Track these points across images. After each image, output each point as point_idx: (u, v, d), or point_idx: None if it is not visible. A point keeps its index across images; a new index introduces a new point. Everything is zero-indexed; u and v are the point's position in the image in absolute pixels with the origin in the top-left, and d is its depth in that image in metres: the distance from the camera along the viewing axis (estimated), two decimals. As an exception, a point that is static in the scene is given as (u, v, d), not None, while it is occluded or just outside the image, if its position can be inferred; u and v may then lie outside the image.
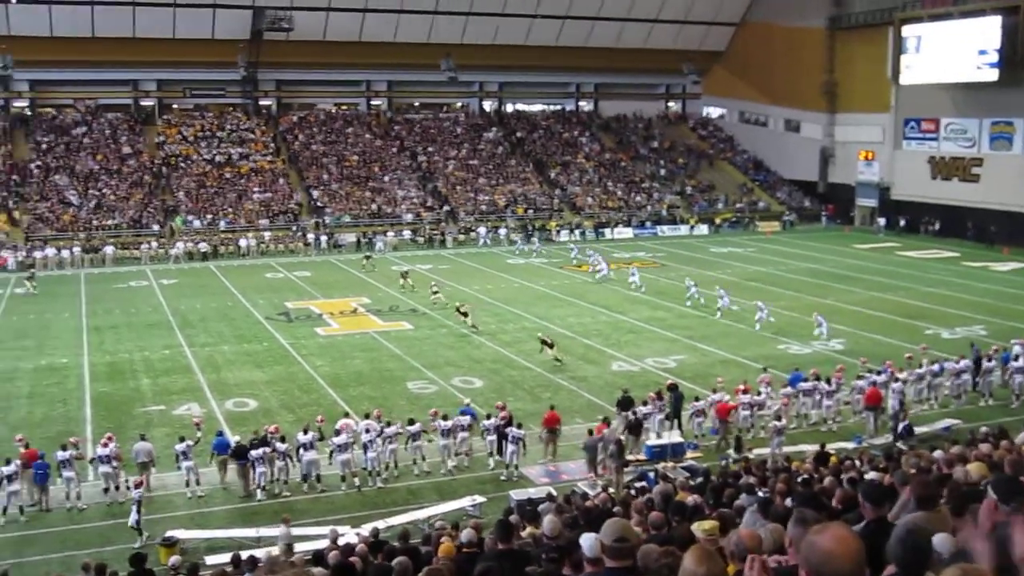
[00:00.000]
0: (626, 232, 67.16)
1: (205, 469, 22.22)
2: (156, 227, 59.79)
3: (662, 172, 77.40)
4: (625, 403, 24.99)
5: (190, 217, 61.02)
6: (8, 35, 63.96)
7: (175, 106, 74.53)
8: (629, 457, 22.40)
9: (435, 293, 41.50)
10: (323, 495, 21.62)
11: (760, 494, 12.86)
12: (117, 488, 21.21)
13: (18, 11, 63.91)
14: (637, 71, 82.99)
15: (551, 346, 32.25)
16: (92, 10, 65.57)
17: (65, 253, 54.47)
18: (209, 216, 61.62)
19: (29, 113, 70.30)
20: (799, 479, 14.08)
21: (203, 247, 57.31)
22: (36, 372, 32.03)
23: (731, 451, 22.85)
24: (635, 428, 23.68)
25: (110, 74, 70.41)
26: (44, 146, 66.29)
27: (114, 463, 21.25)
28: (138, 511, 19.20)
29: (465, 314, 36.84)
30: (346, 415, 24.96)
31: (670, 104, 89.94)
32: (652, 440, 24.01)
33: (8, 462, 20.56)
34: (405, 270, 47.56)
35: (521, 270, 51.43)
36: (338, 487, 21.88)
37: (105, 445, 21.47)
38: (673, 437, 24.32)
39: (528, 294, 44.72)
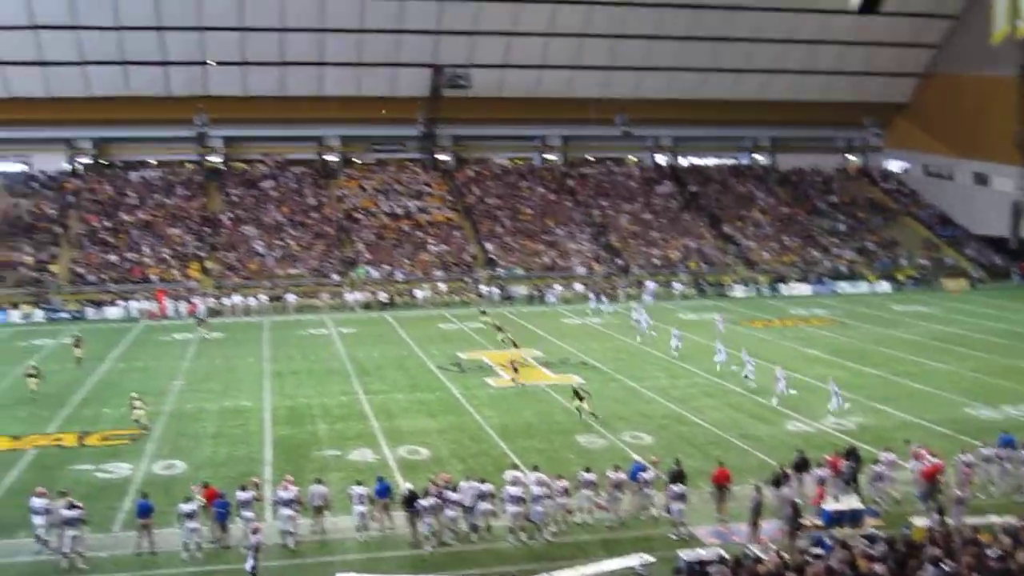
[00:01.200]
0: (803, 288, 65.54)
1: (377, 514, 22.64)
2: (336, 276, 61.95)
3: (841, 227, 75.30)
4: (800, 465, 24.22)
5: (369, 268, 62.98)
6: (205, 95, 68.11)
7: (357, 160, 77.45)
8: (804, 521, 21.62)
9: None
10: (491, 546, 21.68)
11: (945, 567, 12.22)
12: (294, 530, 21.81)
13: (216, 72, 67.95)
14: (815, 124, 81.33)
15: (582, 399, 31.85)
16: (283, 70, 69.09)
17: (252, 300, 57.08)
18: (387, 267, 63.42)
19: (223, 168, 74.31)
20: (990, 553, 13.31)
21: (381, 297, 59.01)
22: (221, 413, 33.47)
23: (918, 520, 21.67)
24: (777, 482, 23.01)
25: (297, 131, 73.86)
26: (235, 198, 69.92)
27: (295, 506, 21.86)
28: (255, 557, 19.34)
29: (582, 398, 32.32)
30: (514, 467, 25.02)
31: (850, 157, 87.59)
32: (830, 505, 23.11)
33: (188, 500, 21.44)
34: (499, 324, 47.35)
35: (693, 326, 50.56)
36: (505, 538, 21.91)
37: (286, 488, 22.11)
38: (852, 503, 23.35)
39: (699, 349, 43.98)
